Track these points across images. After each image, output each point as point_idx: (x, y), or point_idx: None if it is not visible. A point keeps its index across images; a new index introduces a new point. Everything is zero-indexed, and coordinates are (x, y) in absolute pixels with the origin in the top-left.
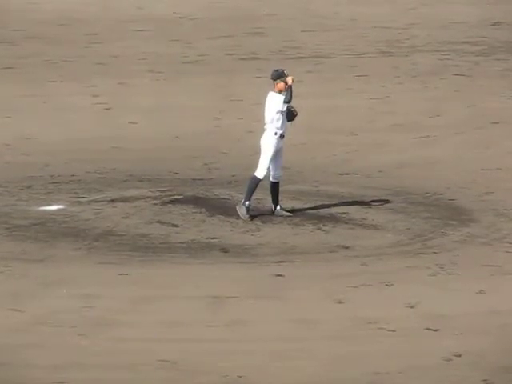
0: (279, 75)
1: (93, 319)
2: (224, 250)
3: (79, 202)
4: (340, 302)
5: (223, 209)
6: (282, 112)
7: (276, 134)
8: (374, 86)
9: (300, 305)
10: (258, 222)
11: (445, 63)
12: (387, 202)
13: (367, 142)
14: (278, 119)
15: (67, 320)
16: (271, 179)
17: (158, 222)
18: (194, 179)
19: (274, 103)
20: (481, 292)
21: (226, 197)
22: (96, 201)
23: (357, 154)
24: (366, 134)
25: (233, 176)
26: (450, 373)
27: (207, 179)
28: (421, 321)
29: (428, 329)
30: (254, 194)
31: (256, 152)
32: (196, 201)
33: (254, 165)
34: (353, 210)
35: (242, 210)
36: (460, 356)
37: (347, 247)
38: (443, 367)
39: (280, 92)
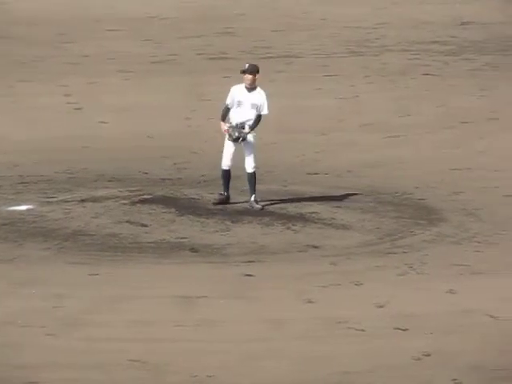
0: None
1: (63, 319)
2: (194, 249)
3: (49, 202)
4: (309, 302)
5: (193, 209)
6: (232, 104)
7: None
8: (344, 85)
9: (269, 304)
10: (228, 222)
11: (414, 63)
12: (356, 201)
13: (337, 142)
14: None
15: (37, 320)
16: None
17: (127, 221)
18: (163, 179)
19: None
20: (450, 291)
21: (196, 197)
22: (66, 201)
23: (326, 153)
24: (336, 134)
25: (202, 176)
26: (420, 372)
27: (177, 179)
28: (390, 320)
29: (397, 328)
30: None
31: None
32: (165, 201)
33: None
34: (322, 210)
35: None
36: (429, 355)
37: (316, 247)
38: (413, 366)
39: (251, 85)
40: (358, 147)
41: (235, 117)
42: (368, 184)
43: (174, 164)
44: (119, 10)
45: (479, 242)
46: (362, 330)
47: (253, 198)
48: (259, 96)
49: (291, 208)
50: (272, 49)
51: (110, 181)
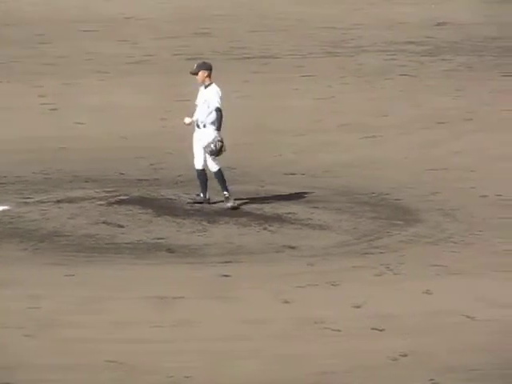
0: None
1: (39, 320)
2: (170, 250)
3: (25, 203)
4: (286, 302)
5: (169, 209)
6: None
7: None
8: (321, 86)
9: (246, 305)
10: (205, 223)
11: (390, 63)
12: (333, 202)
13: (314, 142)
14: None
15: (13, 321)
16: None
17: (103, 222)
18: (140, 180)
19: None
20: (427, 292)
21: (172, 197)
22: (42, 201)
23: (303, 154)
24: (313, 134)
25: (179, 176)
26: (397, 372)
27: (153, 179)
28: (367, 321)
29: (374, 328)
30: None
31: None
32: (142, 201)
33: None
34: (299, 210)
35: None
36: (406, 356)
37: (293, 247)
38: (389, 367)
39: (203, 83)
40: (334, 147)
41: (195, 115)
42: (345, 184)
43: (151, 165)
44: (95, 10)
45: (456, 243)
46: (339, 331)
47: (226, 194)
48: (210, 92)
49: (268, 208)
50: (248, 49)
51: (86, 181)
